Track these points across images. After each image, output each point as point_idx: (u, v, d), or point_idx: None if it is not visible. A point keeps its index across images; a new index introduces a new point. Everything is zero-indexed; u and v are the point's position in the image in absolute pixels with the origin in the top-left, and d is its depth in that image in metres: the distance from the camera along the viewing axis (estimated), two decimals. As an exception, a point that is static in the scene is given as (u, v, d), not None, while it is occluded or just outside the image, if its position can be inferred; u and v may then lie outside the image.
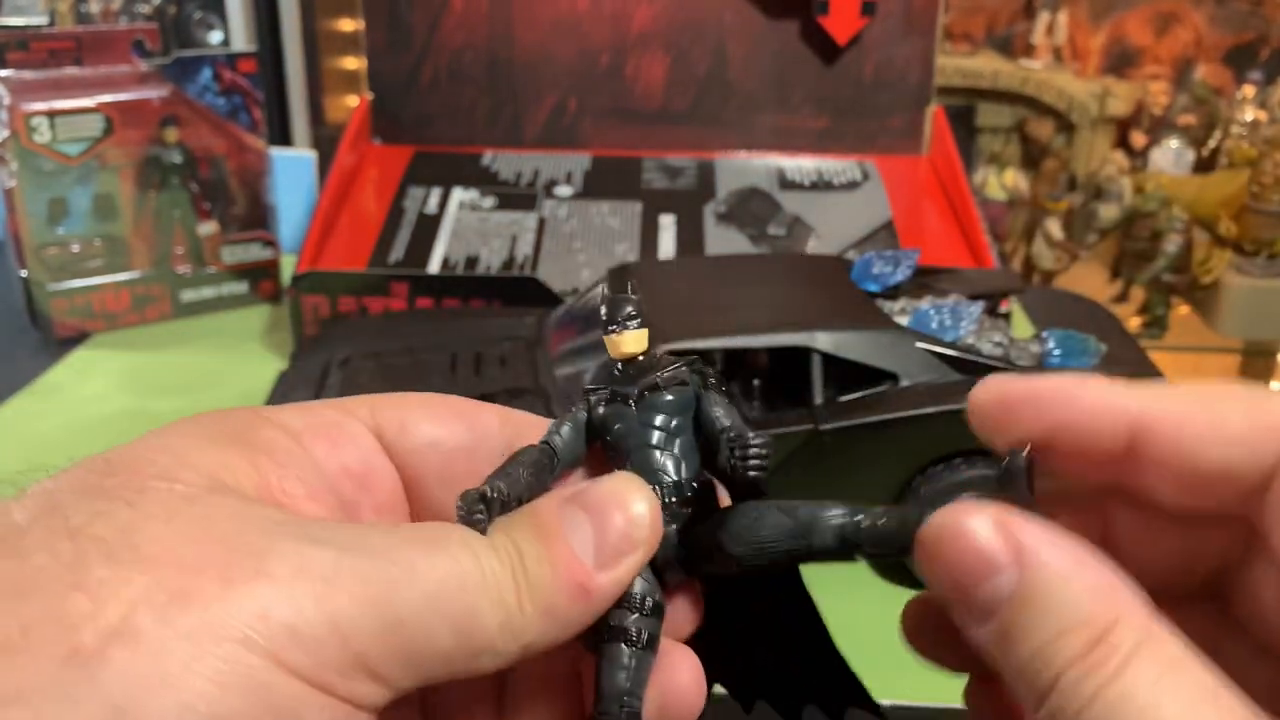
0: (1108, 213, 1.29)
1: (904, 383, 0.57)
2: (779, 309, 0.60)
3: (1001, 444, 0.24)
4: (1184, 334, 1.25)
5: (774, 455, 0.25)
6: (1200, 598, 0.25)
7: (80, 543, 0.20)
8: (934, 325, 0.61)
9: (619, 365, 0.28)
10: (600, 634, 0.25)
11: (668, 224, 0.88)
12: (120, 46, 0.88)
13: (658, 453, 0.26)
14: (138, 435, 0.24)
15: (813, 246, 0.87)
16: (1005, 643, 0.20)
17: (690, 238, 0.87)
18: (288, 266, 0.92)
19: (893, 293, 0.66)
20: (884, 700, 0.28)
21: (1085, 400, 0.23)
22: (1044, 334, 0.64)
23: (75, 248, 0.86)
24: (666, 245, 0.86)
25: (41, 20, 0.99)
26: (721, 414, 0.27)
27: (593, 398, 0.28)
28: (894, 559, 0.24)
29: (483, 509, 0.24)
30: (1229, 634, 0.24)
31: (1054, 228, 1.33)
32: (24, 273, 0.87)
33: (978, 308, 0.63)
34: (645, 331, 0.27)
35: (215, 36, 1.21)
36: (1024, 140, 1.40)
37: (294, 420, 0.26)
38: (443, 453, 0.27)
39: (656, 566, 0.26)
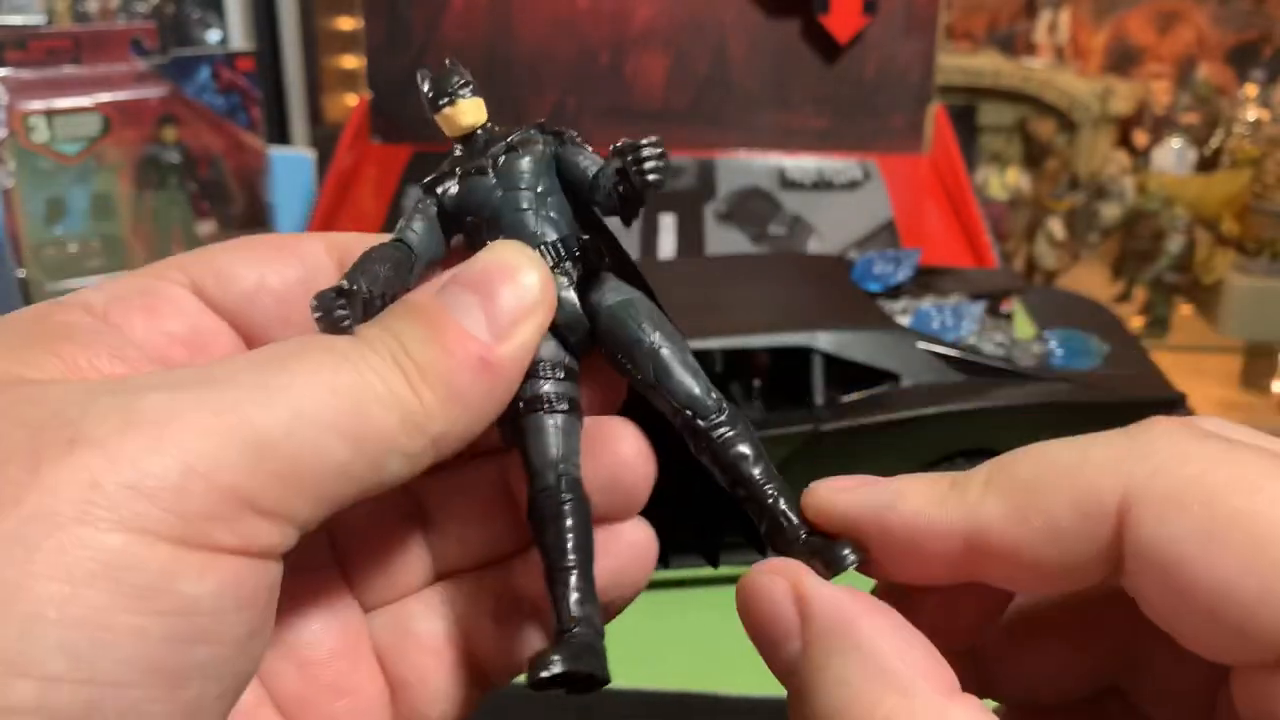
0: (1110, 212, 1.28)
1: (905, 383, 0.57)
2: (780, 309, 0.60)
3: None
4: (1186, 334, 1.25)
5: (668, 160, 0.23)
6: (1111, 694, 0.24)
7: None
8: (935, 325, 0.61)
9: (459, 145, 0.25)
10: (516, 414, 0.23)
11: (668, 224, 0.88)
12: (118, 45, 0.87)
13: (531, 216, 0.24)
14: None
15: (814, 246, 0.87)
16: (803, 701, 0.20)
17: (691, 237, 0.86)
18: (286, 266, 0.92)
19: (894, 292, 0.65)
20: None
21: (905, 526, 0.21)
22: (1046, 334, 0.64)
23: (73, 247, 0.86)
24: (667, 245, 0.86)
25: (39, 19, 0.99)
26: (589, 161, 0.25)
27: (439, 186, 0.25)
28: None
29: (344, 304, 0.21)
30: None
31: (1056, 227, 1.32)
32: (21, 272, 0.87)
33: (979, 308, 0.62)
34: (481, 100, 0.25)
35: (213, 35, 1.21)
36: (1026, 139, 1.40)
37: (95, 298, 0.22)
38: (274, 293, 0.24)
39: (559, 332, 0.24)
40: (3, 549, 0.16)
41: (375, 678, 0.25)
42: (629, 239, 0.86)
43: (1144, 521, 0.19)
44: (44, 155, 0.82)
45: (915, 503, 0.21)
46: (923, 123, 0.97)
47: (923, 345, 0.57)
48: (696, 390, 0.24)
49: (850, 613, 0.20)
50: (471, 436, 0.21)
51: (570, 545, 0.22)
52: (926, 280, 0.67)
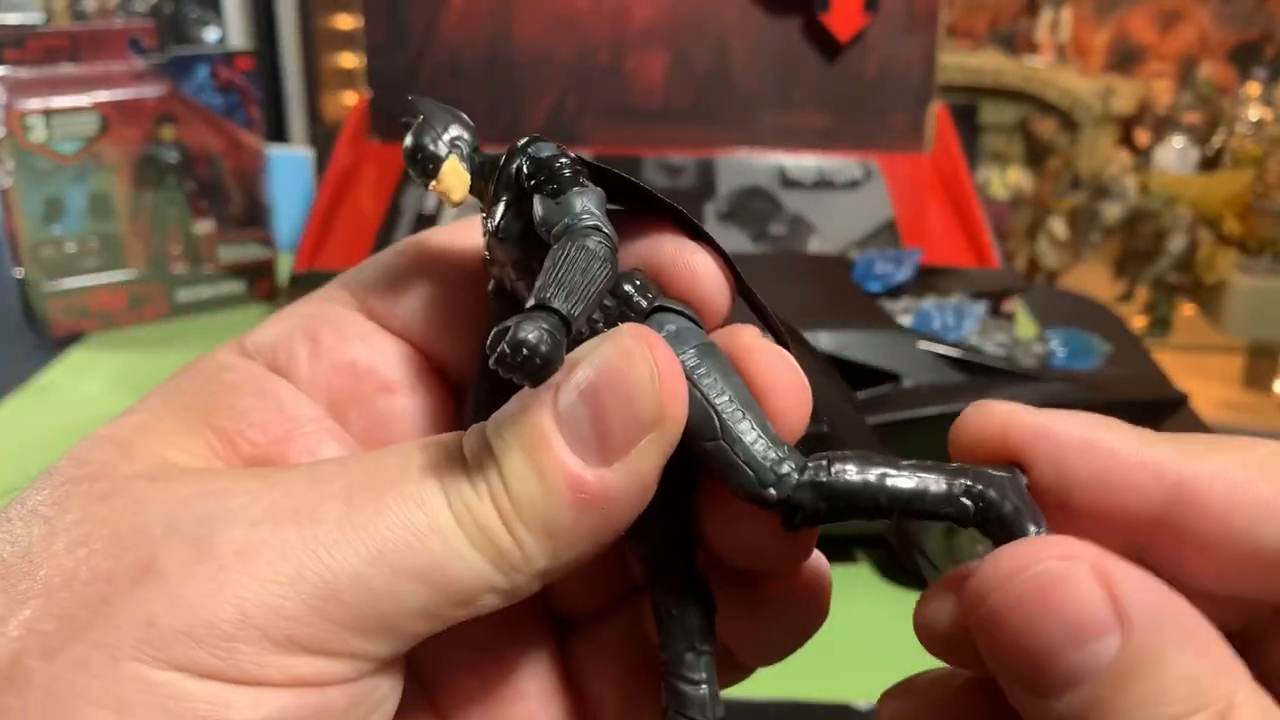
0: (1111, 211, 1.28)
1: (906, 383, 0.56)
2: (780, 309, 0.59)
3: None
4: (1188, 333, 1.25)
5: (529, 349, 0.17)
6: None
7: None
8: (937, 325, 0.60)
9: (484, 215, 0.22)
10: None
11: (668, 223, 0.88)
12: (117, 44, 0.87)
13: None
14: None
15: (814, 246, 0.86)
16: (1118, 700, 0.16)
17: (691, 237, 0.86)
18: (284, 265, 0.91)
19: (895, 292, 0.65)
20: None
21: (1115, 451, 0.18)
22: (1048, 334, 0.63)
23: (71, 247, 0.86)
24: (667, 244, 0.85)
25: (37, 18, 0.98)
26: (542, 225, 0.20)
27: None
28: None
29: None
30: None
31: (1058, 227, 1.32)
32: (19, 272, 0.86)
33: (981, 307, 0.62)
34: (454, 159, 0.21)
35: (212, 34, 1.20)
36: (1027, 138, 1.39)
37: (265, 337, 0.22)
38: (440, 301, 0.23)
39: None
40: (65, 674, 0.17)
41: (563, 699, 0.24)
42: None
43: None
44: (42, 155, 0.82)
45: (1117, 438, 0.18)
46: (924, 122, 0.97)
47: (924, 345, 0.57)
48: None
49: (1174, 598, 0.17)
50: (590, 558, 0.19)
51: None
52: (927, 280, 0.67)
